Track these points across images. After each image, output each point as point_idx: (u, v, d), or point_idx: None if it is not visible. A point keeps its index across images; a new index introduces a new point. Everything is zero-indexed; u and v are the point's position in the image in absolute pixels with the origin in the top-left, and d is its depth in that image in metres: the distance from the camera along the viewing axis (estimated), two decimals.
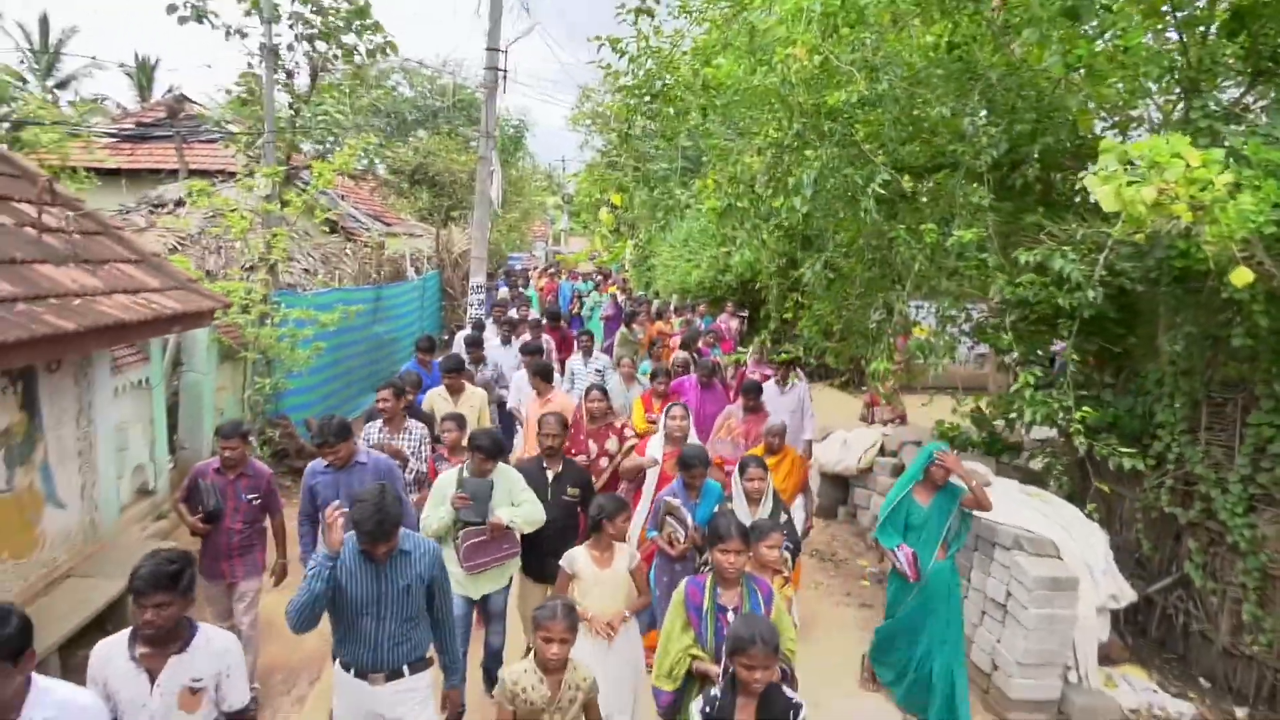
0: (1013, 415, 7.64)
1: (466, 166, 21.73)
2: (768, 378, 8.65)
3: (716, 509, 5.19)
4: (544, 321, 11.85)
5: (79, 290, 5.66)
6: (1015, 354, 6.97)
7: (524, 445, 7.66)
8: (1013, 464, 8.07)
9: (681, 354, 9.66)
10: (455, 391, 7.51)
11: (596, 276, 26.09)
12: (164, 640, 3.09)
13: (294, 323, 9.48)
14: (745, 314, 15.63)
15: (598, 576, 4.49)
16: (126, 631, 3.15)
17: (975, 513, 5.51)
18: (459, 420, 6.22)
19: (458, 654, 4.14)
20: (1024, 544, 5.67)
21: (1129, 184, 4.07)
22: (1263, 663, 5.79)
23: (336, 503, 3.88)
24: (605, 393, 6.81)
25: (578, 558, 4.54)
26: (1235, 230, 4.15)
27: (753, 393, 7.47)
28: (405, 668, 3.82)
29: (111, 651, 3.12)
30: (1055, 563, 5.57)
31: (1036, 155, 5.88)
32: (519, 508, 5.09)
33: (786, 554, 4.94)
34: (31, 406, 5.94)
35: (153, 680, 3.10)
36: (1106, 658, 6.16)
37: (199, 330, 8.30)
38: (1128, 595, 5.82)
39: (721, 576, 3.99)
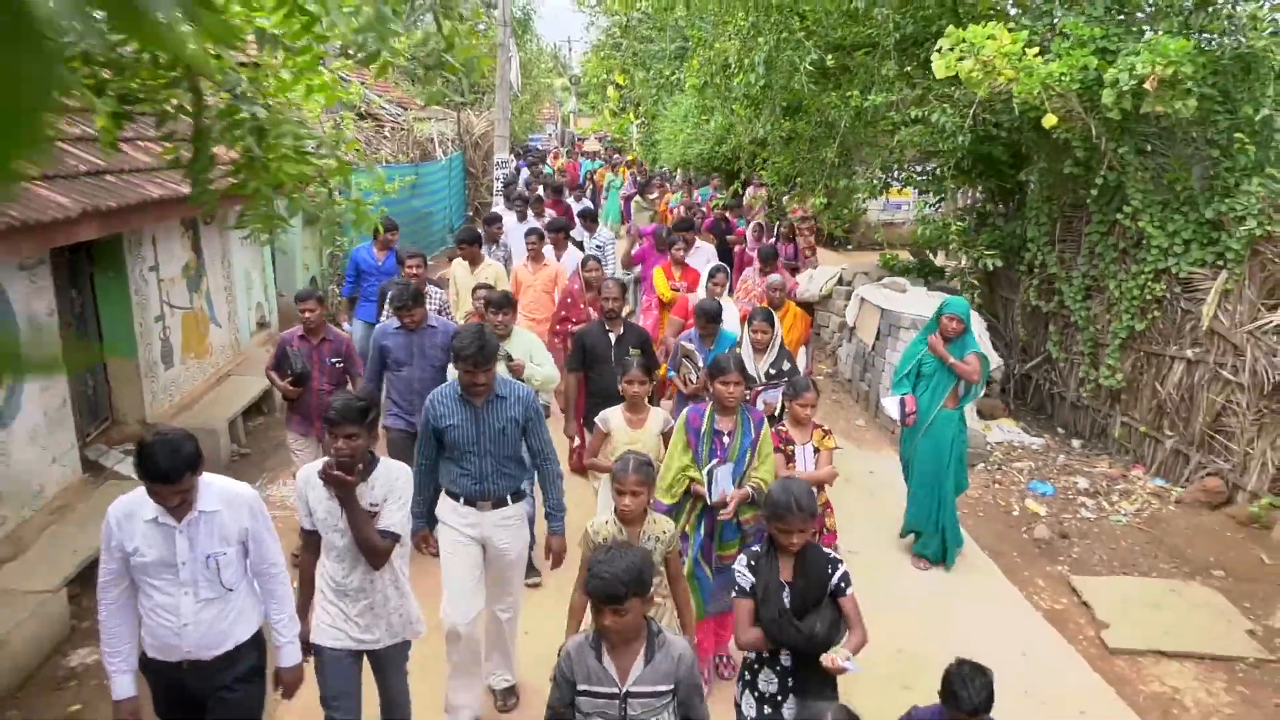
0: (939, 245, 9.82)
1: (478, 52, 23.15)
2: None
3: (729, 349, 5.57)
4: (549, 197, 12.52)
5: None
6: (940, 198, 9.07)
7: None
8: (938, 284, 10.24)
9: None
10: (474, 261, 7.94)
11: (610, 155, 27.59)
12: (351, 469, 3.29)
13: (363, 193, 11.57)
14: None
15: (629, 436, 4.59)
16: (324, 460, 3.42)
17: (900, 309, 7.69)
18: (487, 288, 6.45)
19: (560, 499, 4.25)
20: (916, 324, 7.88)
21: (958, 60, 6.06)
22: (1093, 409, 8.07)
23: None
24: (600, 262, 7.42)
25: (611, 417, 4.68)
26: (1036, 87, 6.16)
27: (767, 257, 8.11)
28: (508, 497, 4.14)
29: (312, 474, 3.41)
30: None
31: (933, 34, 7.79)
32: (540, 367, 5.41)
33: (804, 374, 5.56)
34: (198, 250, 8.15)
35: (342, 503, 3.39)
36: (990, 414, 8.46)
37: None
38: (996, 361, 8.05)
39: (721, 405, 4.29)
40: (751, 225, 11.50)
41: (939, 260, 10.74)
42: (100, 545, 3.04)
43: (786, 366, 5.79)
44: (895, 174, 9.59)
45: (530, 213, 10.83)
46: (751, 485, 4.19)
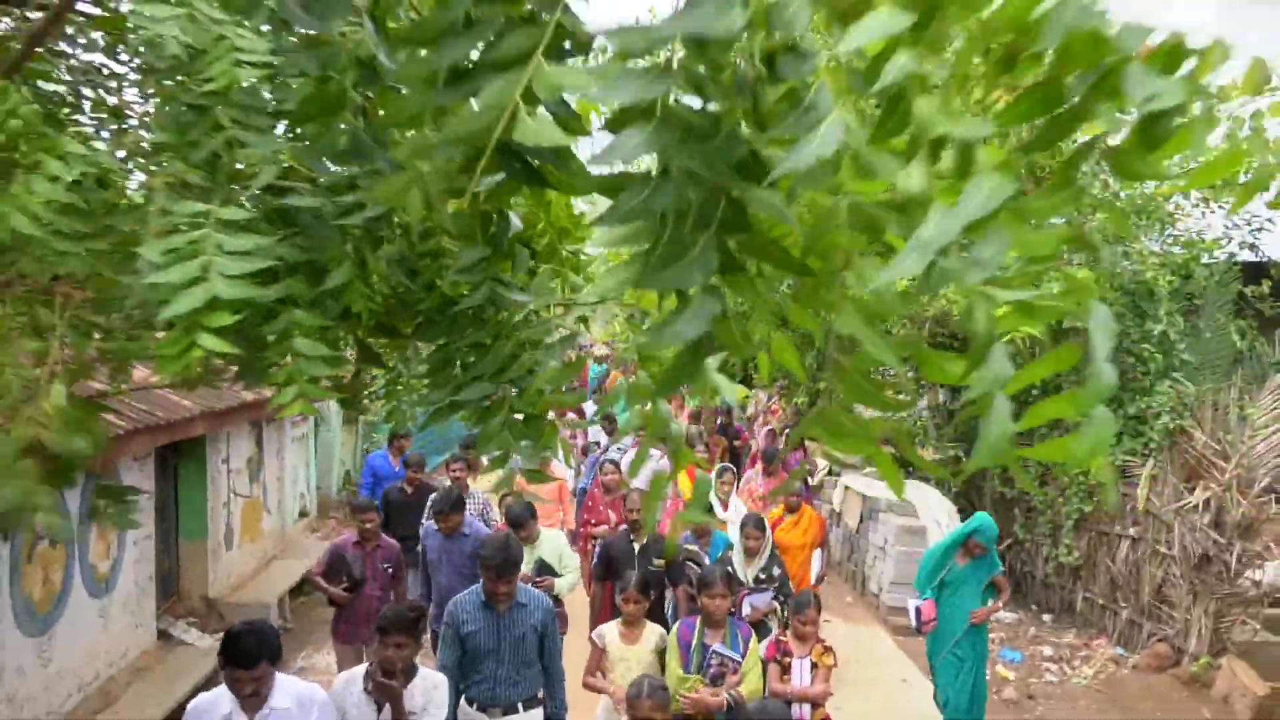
0: (919, 440, 10.97)
1: None
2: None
3: (719, 557, 5.88)
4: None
5: None
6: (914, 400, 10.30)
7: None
8: (916, 475, 11.26)
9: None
10: (474, 468, 7.69)
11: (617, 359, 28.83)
12: (395, 675, 3.48)
13: None
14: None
15: (624, 652, 4.58)
16: (364, 666, 3.70)
17: (879, 494, 8.71)
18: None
19: (563, 704, 4.45)
20: (893, 508, 8.86)
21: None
22: (1059, 585, 8.88)
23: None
24: (618, 466, 7.68)
25: (606, 633, 4.68)
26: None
27: (770, 458, 8.62)
28: (520, 705, 4.24)
29: (351, 681, 3.60)
30: (912, 520, 8.74)
31: None
32: (566, 576, 5.62)
33: (775, 604, 5.61)
34: (260, 444, 9.32)
35: (379, 710, 3.55)
36: None
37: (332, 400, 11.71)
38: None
39: (709, 618, 4.41)
40: (765, 431, 12.43)
41: (925, 453, 11.86)
42: None
43: (776, 572, 5.88)
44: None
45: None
46: (731, 694, 4.23)
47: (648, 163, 1.01)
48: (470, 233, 1.30)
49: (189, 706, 3.27)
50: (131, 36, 1.92)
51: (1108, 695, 6.97)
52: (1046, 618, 8.80)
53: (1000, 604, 5.88)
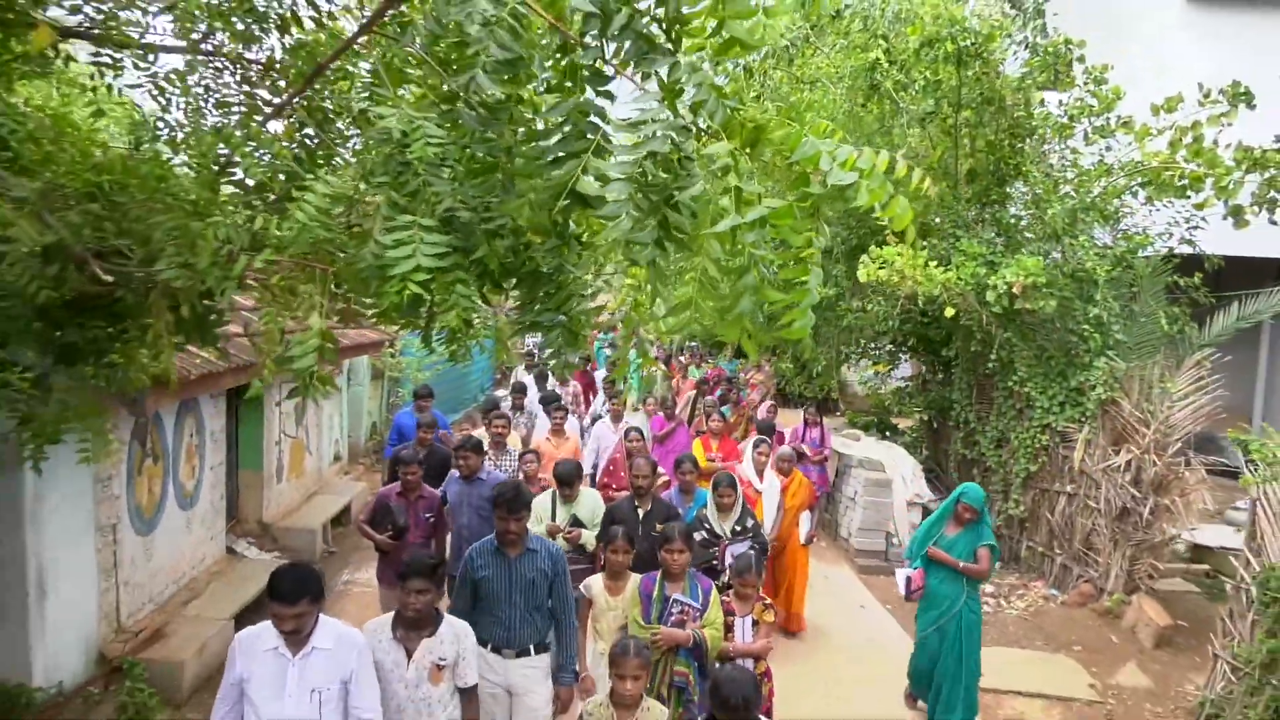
0: (895, 408, 12.15)
1: None
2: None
3: (695, 514, 6.30)
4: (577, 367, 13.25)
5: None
6: (890, 368, 11.47)
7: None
8: (894, 438, 12.43)
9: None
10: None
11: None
12: (419, 624, 3.61)
13: (418, 353, 14.08)
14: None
15: (609, 603, 4.80)
16: (390, 615, 3.81)
17: (852, 453, 9.86)
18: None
19: (572, 652, 4.57)
20: (864, 464, 10.03)
21: (878, 269, 8.53)
22: (1008, 535, 10.03)
23: None
24: (641, 434, 8.10)
25: (593, 584, 4.89)
26: (936, 288, 8.59)
27: (767, 433, 8.82)
28: (531, 648, 4.45)
29: (379, 628, 3.71)
30: (880, 474, 9.91)
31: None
32: (596, 530, 5.86)
33: (752, 552, 5.70)
34: None
35: (409, 656, 3.69)
36: None
37: (362, 356, 12.90)
38: (927, 495, 10.10)
39: (668, 572, 4.65)
40: (767, 405, 13.43)
41: (901, 422, 13.04)
42: (226, 663, 3.46)
43: (750, 524, 6.27)
44: (853, 350, 12.03)
45: (555, 382, 11.75)
46: (695, 632, 4.51)
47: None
48: (548, 232, 2.42)
49: (237, 636, 3.46)
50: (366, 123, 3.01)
51: (1034, 624, 8.16)
52: (996, 565, 9.96)
53: (965, 565, 5.89)
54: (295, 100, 3.07)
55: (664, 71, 1.95)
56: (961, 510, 5.95)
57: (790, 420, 12.40)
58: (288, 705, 3.28)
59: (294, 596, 3.22)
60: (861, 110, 10.52)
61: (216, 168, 3.11)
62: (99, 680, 5.78)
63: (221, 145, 3.25)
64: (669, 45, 1.98)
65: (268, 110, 3.28)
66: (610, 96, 2.09)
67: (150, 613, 6.64)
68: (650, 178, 2.04)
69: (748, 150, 2.06)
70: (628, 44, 1.92)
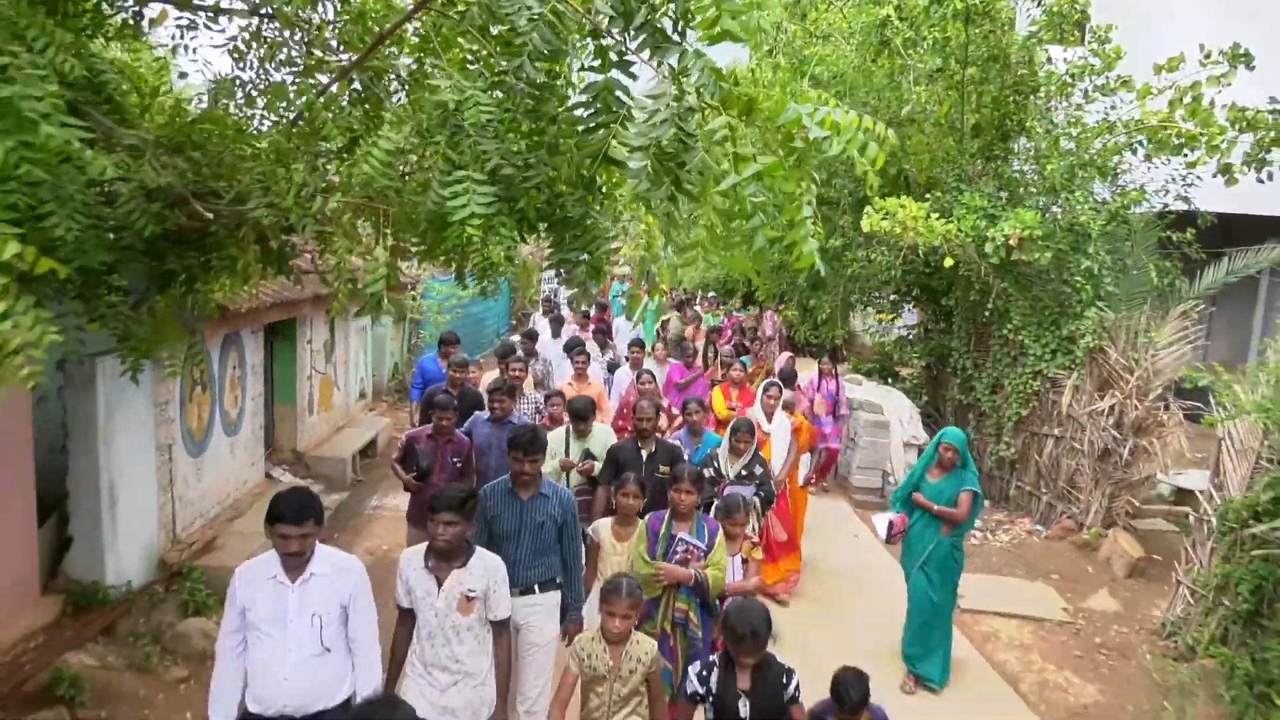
0: (897, 355, 12.64)
1: None
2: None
3: (705, 454, 6.43)
4: (592, 312, 14.02)
5: None
6: (894, 317, 11.93)
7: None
8: (896, 385, 12.94)
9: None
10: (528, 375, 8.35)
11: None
12: (450, 555, 3.68)
13: (438, 297, 14.60)
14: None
15: (615, 547, 4.85)
16: (424, 545, 3.86)
17: (852, 395, 10.39)
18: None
19: (580, 591, 4.71)
20: (864, 406, 10.55)
21: (881, 220, 8.94)
22: (999, 476, 10.58)
23: None
24: (654, 376, 8.35)
25: (601, 528, 4.93)
26: (936, 240, 9.00)
27: (788, 382, 8.76)
28: (536, 586, 4.55)
29: (414, 556, 3.81)
30: (879, 416, 10.44)
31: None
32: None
33: (756, 500, 5.97)
34: (333, 332, 11.05)
35: (439, 585, 3.75)
36: None
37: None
38: (922, 437, 10.63)
39: (676, 511, 4.71)
40: (786, 356, 13.82)
41: (903, 370, 13.54)
42: (228, 596, 3.50)
43: (758, 470, 6.35)
44: (858, 298, 12.49)
45: (576, 327, 12.04)
46: (698, 571, 4.52)
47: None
48: (579, 184, 2.93)
49: (236, 570, 3.52)
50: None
51: (1016, 554, 8.74)
52: (987, 503, 10.53)
53: (940, 509, 5.90)
54: (357, 64, 3.54)
55: (673, 60, 2.42)
56: (943, 451, 6.00)
57: (806, 370, 12.61)
58: (290, 630, 3.37)
59: (299, 517, 3.32)
60: (872, 65, 10.84)
61: (289, 121, 3.59)
62: (160, 583, 6.41)
63: (282, 102, 3.75)
64: (677, 35, 2.44)
65: (330, 72, 3.74)
66: (633, 76, 2.56)
67: (200, 527, 7.28)
68: (664, 144, 2.52)
69: (744, 118, 2.52)
70: (643, 37, 2.38)
